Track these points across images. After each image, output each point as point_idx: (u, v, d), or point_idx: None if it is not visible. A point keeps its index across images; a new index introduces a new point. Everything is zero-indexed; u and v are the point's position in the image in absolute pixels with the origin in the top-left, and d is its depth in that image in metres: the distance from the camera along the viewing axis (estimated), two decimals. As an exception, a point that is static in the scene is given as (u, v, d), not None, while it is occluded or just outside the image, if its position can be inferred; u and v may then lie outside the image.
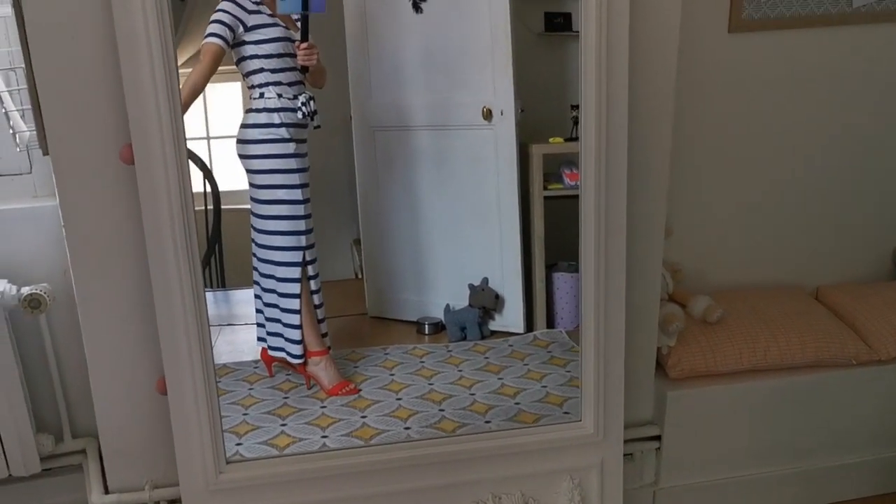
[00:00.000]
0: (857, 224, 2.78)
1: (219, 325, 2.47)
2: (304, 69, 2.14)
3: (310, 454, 1.93)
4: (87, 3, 1.40)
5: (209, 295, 2.51)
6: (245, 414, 2.11)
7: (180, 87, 1.53)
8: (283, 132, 2.14)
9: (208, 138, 2.48)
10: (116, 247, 1.53)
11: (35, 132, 1.85)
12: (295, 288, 2.23)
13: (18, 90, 2.04)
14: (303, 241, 2.22)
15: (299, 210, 2.20)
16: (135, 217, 1.48)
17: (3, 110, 2.00)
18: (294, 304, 2.23)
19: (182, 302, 1.48)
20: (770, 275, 2.73)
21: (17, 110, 2.02)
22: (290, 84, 2.14)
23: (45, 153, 1.57)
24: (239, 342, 2.43)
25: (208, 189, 2.44)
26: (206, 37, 2.04)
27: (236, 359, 2.35)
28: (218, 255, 2.50)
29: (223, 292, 2.60)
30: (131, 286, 1.56)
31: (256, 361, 2.32)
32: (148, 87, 1.40)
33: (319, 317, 2.29)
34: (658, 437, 2.34)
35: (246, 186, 2.22)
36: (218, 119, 2.46)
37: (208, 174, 2.43)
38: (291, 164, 2.17)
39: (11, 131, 2.00)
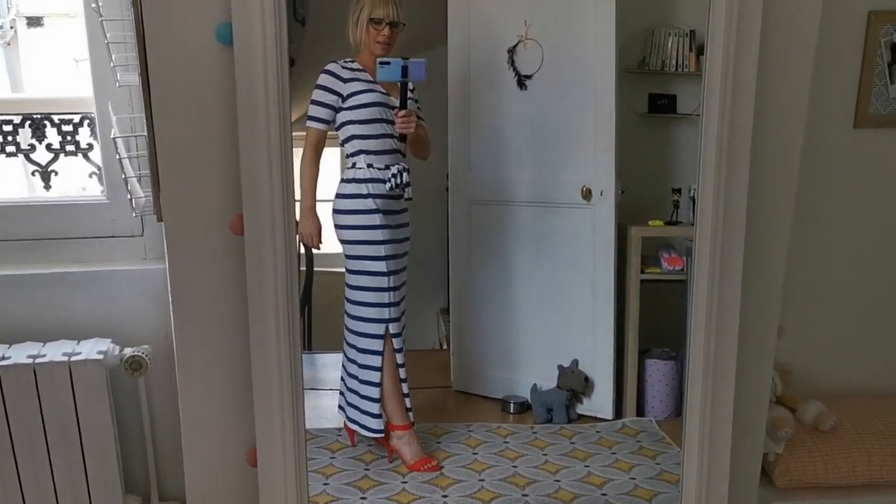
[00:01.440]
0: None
1: (303, 389, 2.47)
2: (402, 137, 2.14)
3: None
4: (212, 77, 1.44)
5: (295, 357, 2.55)
6: (326, 484, 2.09)
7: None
8: (370, 203, 2.14)
9: (305, 200, 2.52)
10: (219, 314, 1.54)
11: (149, 198, 1.91)
12: (375, 360, 2.19)
13: (137, 156, 2.12)
14: (385, 313, 2.18)
15: (384, 282, 2.17)
16: (240, 286, 1.49)
17: (123, 176, 2.08)
18: (374, 376, 2.20)
19: (279, 376, 1.47)
20: (887, 381, 2.52)
21: (135, 176, 2.10)
22: (382, 153, 2.13)
23: (160, 219, 1.61)
24: (322, 407, 2.42)
25: (302, 251, 2.47)
26: (308, 120, 2.08)
27: (319, 425, 2.34)
28: (307, 317, 2.51)
29: (308, 355, 2.61)
30: (231, 354, 1.56)
31: (339, 429, 2.30)
32: (263, 161, 1.41)
33: (404, 391, 2.24)
34: (763, 551, 2.17)
35: (338, 249, 2.23)
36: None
37: (303, 237, 2.47)
38: (377, 235, 2.15)
39: (129, 196, 2.07)
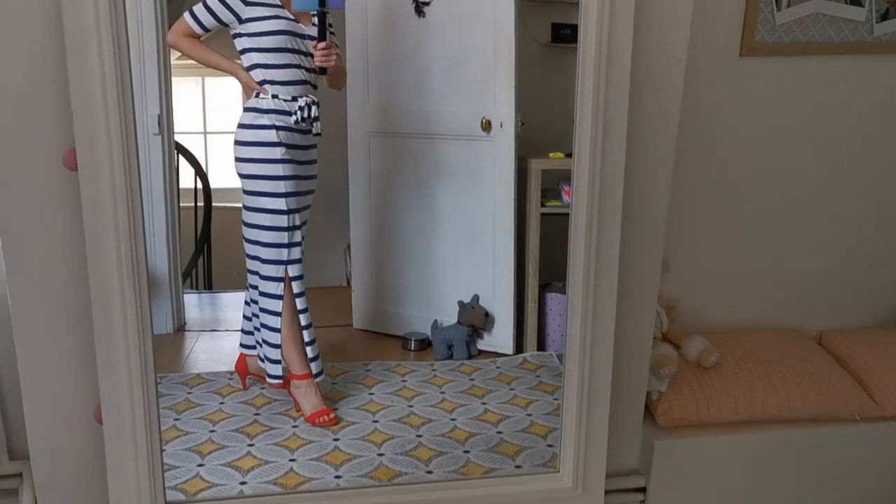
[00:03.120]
0: (866, 267, 2.50)
1: (199, 331, 2.38)
2: (321, 70, 2.03)
3: (256, 497, 1.76)
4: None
5: (193, 297, 2.45)
6: (212, 431, 2.02)
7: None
8: (272, 135, 2.02)
9: (205, 133, 2.40)
10: (57, 260, 1.40)
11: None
12: (275, 304, 2.10)
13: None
14: (285, 254, 2.09)
15: (282, 221, 2.07)
16: (79, 228, 1.36)
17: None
18: (273, 321, 2.11)
19: (124, 325, 1.36)
20: (771, 316, 2.48)
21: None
22: (290, 84, 2.02)
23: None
24: (217, 350, 2.35)
25: (199, 186, 2.35)
26: (188, 14, 1.93)
27: (212, 368, 2.26)
28: (206, 255, 2.41)
29: (209, 295, 2.52)
30: (72, 303, 1.43)
31: (232, 372, 2.23)
32: (96, 87, 1.28)
33: (307, 339, 2.14)
34: (643, 490, 2.15)
35: (238, 183, 2.12)
36: (216, 114, 2.37)
37: (200, 171, 2.35)
38: (278, 170, 2.04)
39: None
